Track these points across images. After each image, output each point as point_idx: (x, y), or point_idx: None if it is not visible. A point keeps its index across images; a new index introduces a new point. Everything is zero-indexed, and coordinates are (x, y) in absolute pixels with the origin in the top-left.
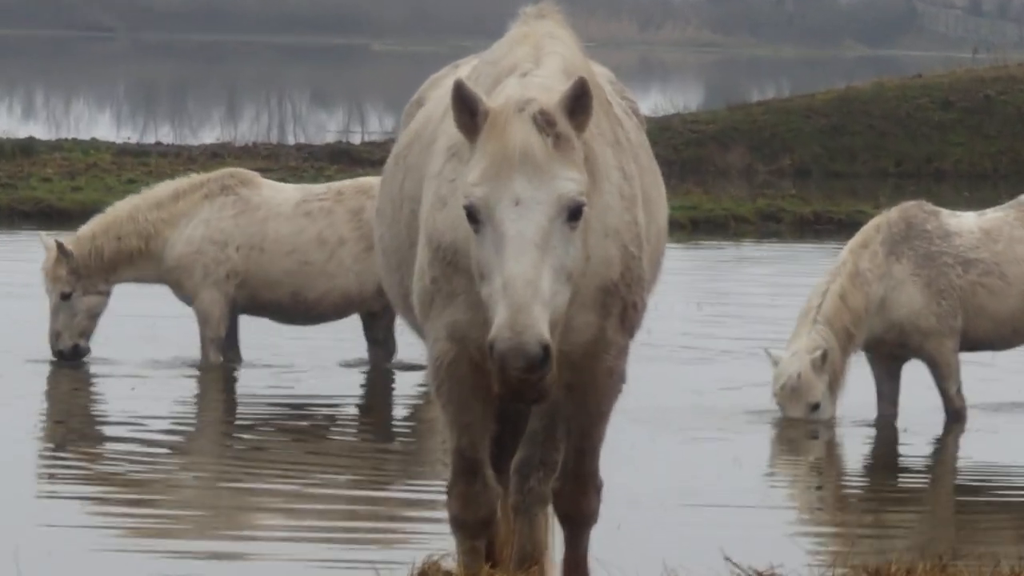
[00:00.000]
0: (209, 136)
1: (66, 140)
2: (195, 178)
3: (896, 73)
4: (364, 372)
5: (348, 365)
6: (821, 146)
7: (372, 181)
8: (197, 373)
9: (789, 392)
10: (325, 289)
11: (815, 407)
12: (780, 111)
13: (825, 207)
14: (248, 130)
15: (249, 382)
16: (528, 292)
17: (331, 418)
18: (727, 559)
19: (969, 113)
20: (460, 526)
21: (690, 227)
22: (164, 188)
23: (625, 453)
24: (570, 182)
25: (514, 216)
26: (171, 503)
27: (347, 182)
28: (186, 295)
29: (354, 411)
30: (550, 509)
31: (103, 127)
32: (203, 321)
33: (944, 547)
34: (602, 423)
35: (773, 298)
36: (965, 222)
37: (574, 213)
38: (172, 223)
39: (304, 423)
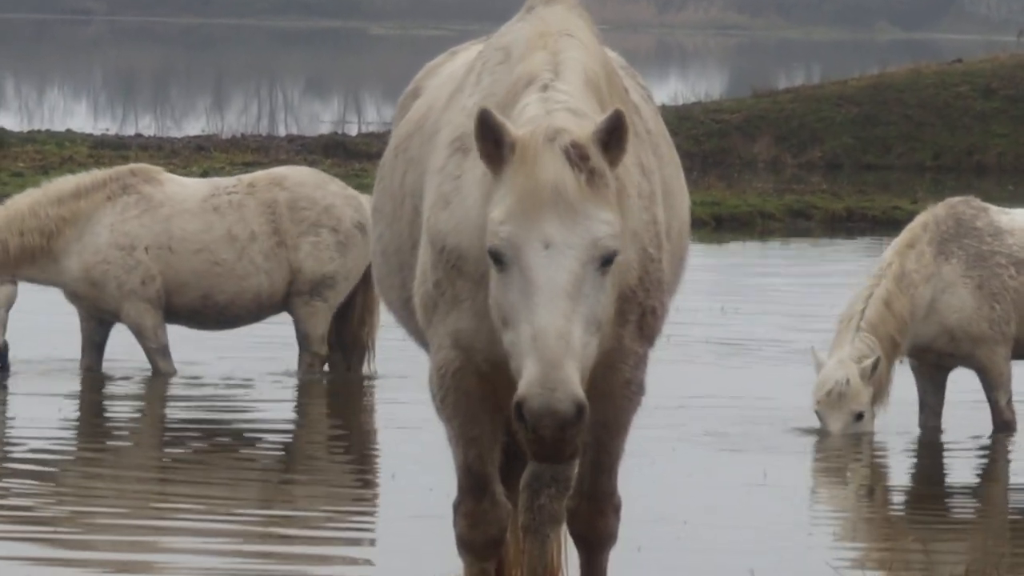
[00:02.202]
0: (194, 128)
1: (39, 132)
2: (97, 175)
3: (934, 58)
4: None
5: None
6: (853, 137)
7: (286, 172)
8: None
9: (836, 399)
10: (236, 290)
11: (859, 417)
12: (809, 99)
13: (858, 203)
14: (236, 121)
15: (185, 391)
16: (560, 346)
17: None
18: None
19: (1013, 102)
20: (468, 547)
21: (713, 224)
22: (65, 183)
23: (645, 468)
24: (604, 225)
25: (544, 261)
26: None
27: (259, 173)
28: (110, 311)
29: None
30: (564, 529)
31: (79, 118)
32: (139, 334)
33: (991, 570)
34: (620, 437)
35: (802, 299)
36: (1017, 220)
37: (607, 259)
38: (73, 222)
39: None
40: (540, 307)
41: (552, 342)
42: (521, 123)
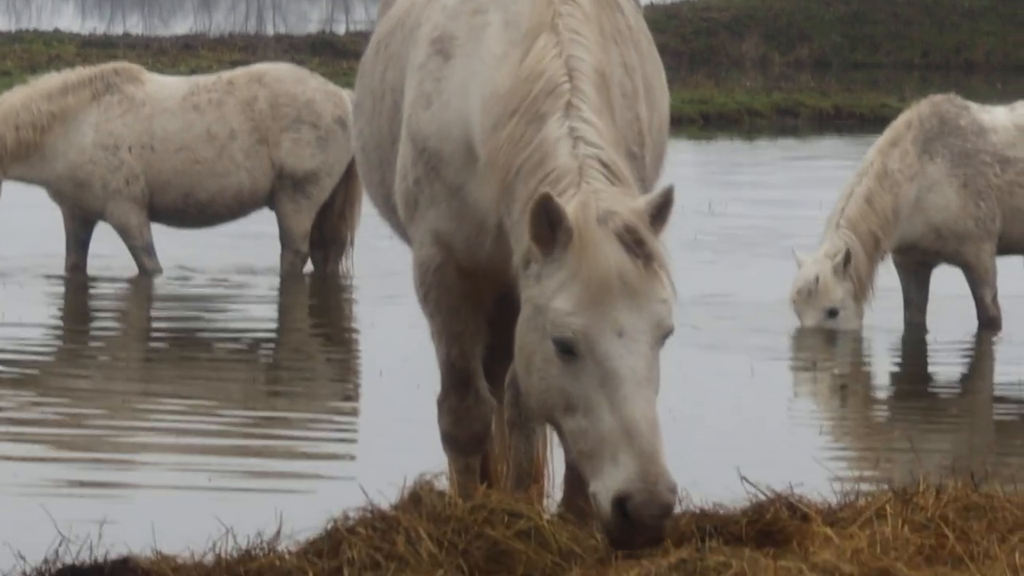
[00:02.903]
0: (181, 26)
1: (27, 31)
2: (83, 72)
3: None
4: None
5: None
6: (842, 35)
7: (265, 68)
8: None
9: (805, 296)
10: (217, 188)
11: (832, 313)
12: None
13: (846, 101)
14: (224, 19)
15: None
16: (655, 438)
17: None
18: (743, 478)
19: (1001, 0)
20: (452, 443)
21: (701, 122)
22: (52, 80)
23: None
24: (664, 305)
25: (621, 350)
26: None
27: (238, 70)
28: (95, 211)
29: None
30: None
31: (66, 17)
32: (123, 233)
33: (977, 465)
34: None
35: (789, 196)
36: (999, 117)
37: (667, 337)
38: (62, 119)
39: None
40: (628, 399)
41: (647, 434)
42: (553, 178)
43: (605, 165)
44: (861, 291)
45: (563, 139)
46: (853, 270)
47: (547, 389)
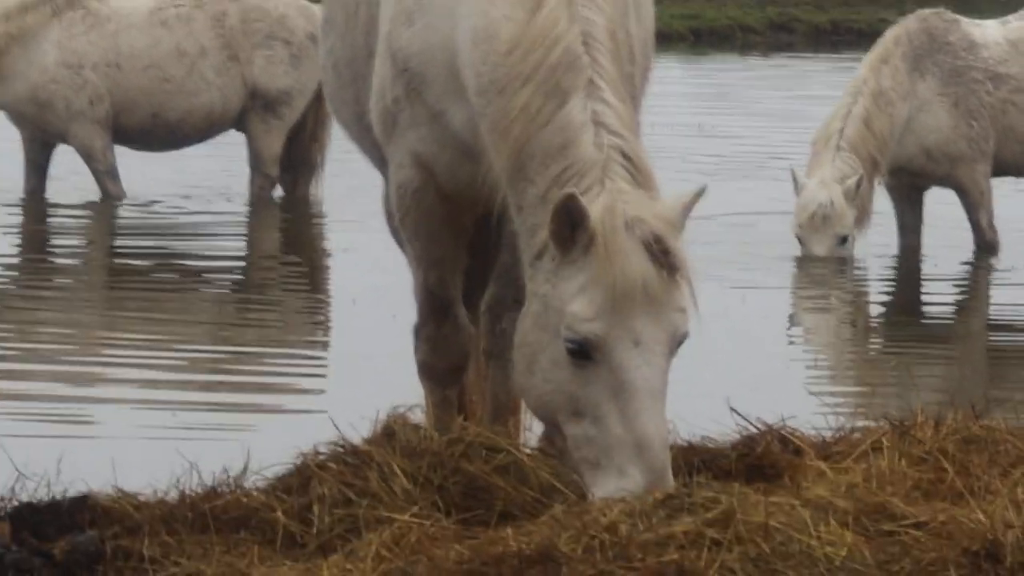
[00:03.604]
0: None
1: None
2: None
3: None
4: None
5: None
6: None
7: None
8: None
9: (820, 221)
10: (187, 108)
11: (843, 240)
12: None
13: (843, 15)
14: None
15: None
16: (665, 454)
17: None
18: (733, 410)
19: None
20: (430, 373)
21: (692, 39)
22: None
23: None
24: (681, 313)
25: (638, 361)
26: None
27: None
28: (57, 133)
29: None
30: None
31: None
32: (87, 157)
33: (976, 395)
34: None
35: (783, 115)
36: (989, 32)
37: (680, 345)
38: (20, 39)
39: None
40: (642, 413)
41: (659, 450)
42: (576, 171)
43: (628, 158)
44: (862, 216)
45: (587, 125)
46: (862, 194)
47: (552, 392)
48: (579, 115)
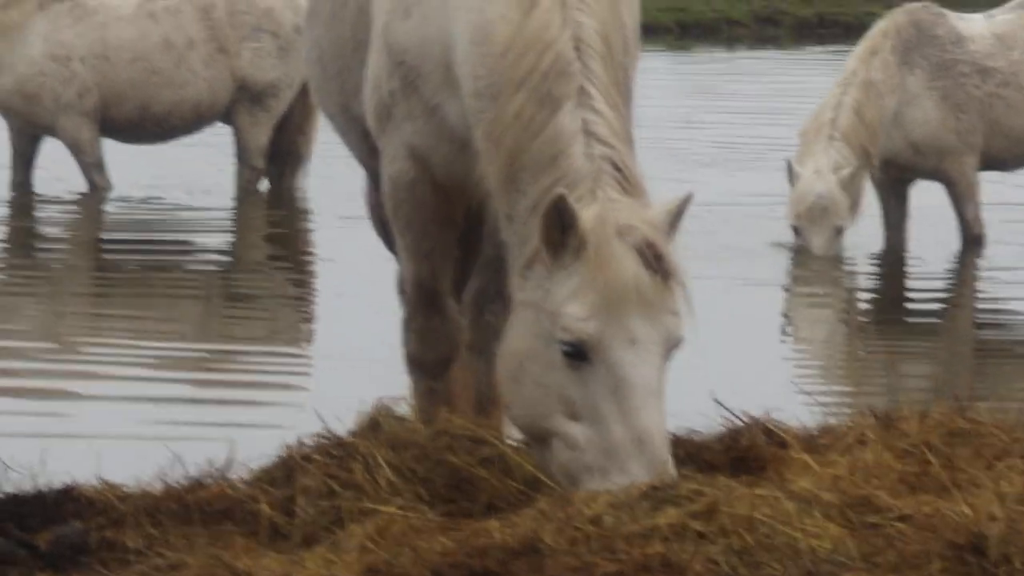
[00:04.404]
0: None
1: None
2: None
3: None
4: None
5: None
6: None
7: None
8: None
9: (819, 213)
10: (174, 100)
11: (839, 231)
12: None
13: (829, 8)
14: None
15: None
16: (665, 447)
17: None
18: (717, 402)
19: None
20: (418, 365)
21: (677, 31)
22: None
23: None
24: (675, 316)
25: (634, 359)
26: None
27: None
28: (44, 126)
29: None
30: None
31: None
32: (75, 149)
33: (961, 388)
34: None
35: (770, 108)
36: (976, 26)
37: (675, 348)
38: (3, 33)
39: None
40: (641, 409)
41: (659, 444)
42: (567, 183)
43: (618, 168)
44: (854, 208)
45: (577, 135)
46: (852, 185)
47: (545, 396)
48: (570, 124)
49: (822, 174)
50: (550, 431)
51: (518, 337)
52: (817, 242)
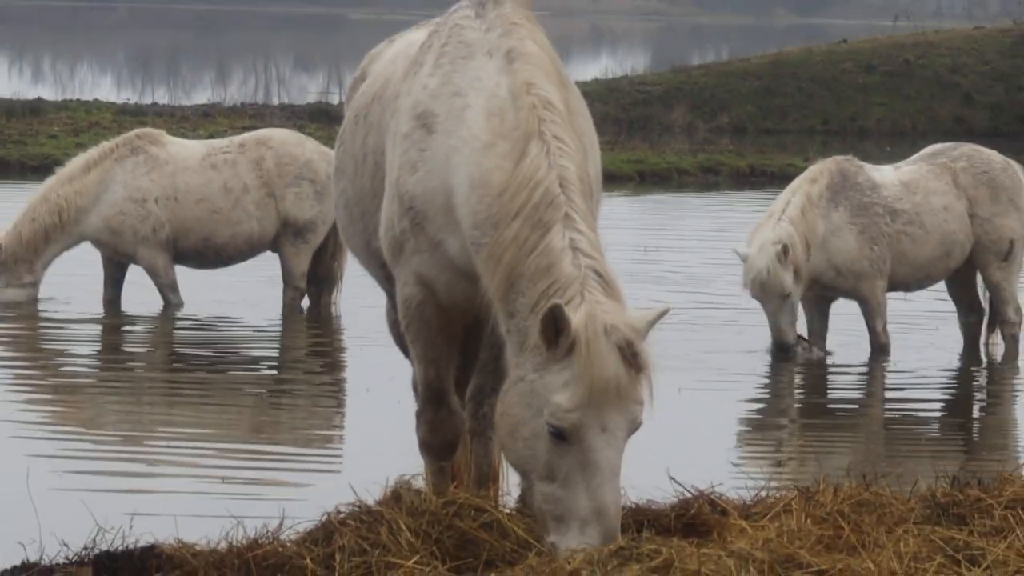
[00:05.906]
0: (201, 97)
1: (71, 101)
2: (104, 146)
3: (823, 40)
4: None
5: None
6: (755, 105)
7: (271, 133)
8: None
9: (760, 287)
10: (231, 234)
11: (787, 296)
12: (719, 74)
13: (759, 161)
14: (236, 91)
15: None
16: (618, 520)
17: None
18: (671, 478)
19: (890, 76)
20: (428, 449)
21: (637, 179)
22: (76, 162)
23: None
24: (640, 405)
25: (603, 444)
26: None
27: (248, 135)
28: (127, 255)
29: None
30: None
31: (105, 89)
32: (152, 273)
33: (868, 468)
34: None
35: (713, 239)
36: (887, 175)
37: (635, 431)
38: (83, 193)
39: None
40: (603, 486)
41: (613, 517)
42: (560, 286)
43: (600, 275)
44: (800, 277)
45: (566, 250)
46: (793, 257)
47: (531, 457)
48: (559, 242)
49: (764, 248)
50: (533, 481)
51: (514, 405)
52: (768, 308)
